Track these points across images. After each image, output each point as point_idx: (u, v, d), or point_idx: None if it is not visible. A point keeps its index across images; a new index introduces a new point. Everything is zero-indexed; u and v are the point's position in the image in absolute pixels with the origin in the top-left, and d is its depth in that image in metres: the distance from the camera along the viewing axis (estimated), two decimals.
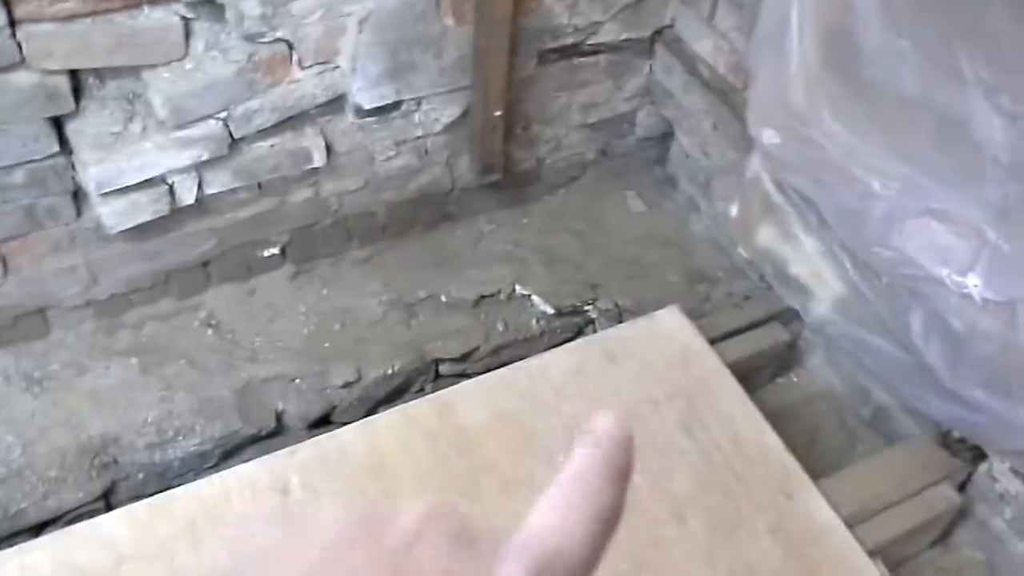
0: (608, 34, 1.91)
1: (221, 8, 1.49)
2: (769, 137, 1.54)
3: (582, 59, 1.94)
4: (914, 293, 1.42)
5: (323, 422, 1.73)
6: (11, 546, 1.28)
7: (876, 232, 1.40)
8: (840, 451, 1.72)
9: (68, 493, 1.56)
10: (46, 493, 1.55)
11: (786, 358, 1.82)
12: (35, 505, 1.55)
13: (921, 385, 1.49)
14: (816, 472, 1.42)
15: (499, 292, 1.92)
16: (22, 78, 1.41)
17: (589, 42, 1.90)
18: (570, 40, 1.87)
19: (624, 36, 1.93)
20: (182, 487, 1.33)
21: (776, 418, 1.49)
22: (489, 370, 1.55)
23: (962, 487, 1.53)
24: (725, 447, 1.41)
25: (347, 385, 1.75)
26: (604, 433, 0.44)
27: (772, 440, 1.43)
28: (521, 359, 1.54)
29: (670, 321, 1.59)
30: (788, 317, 1.78)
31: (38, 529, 1.56)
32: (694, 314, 1.68)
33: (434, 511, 0.40)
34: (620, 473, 0.43)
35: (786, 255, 1.74)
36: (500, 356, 1.84)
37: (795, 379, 1.84)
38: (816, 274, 1.69)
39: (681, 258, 2.02)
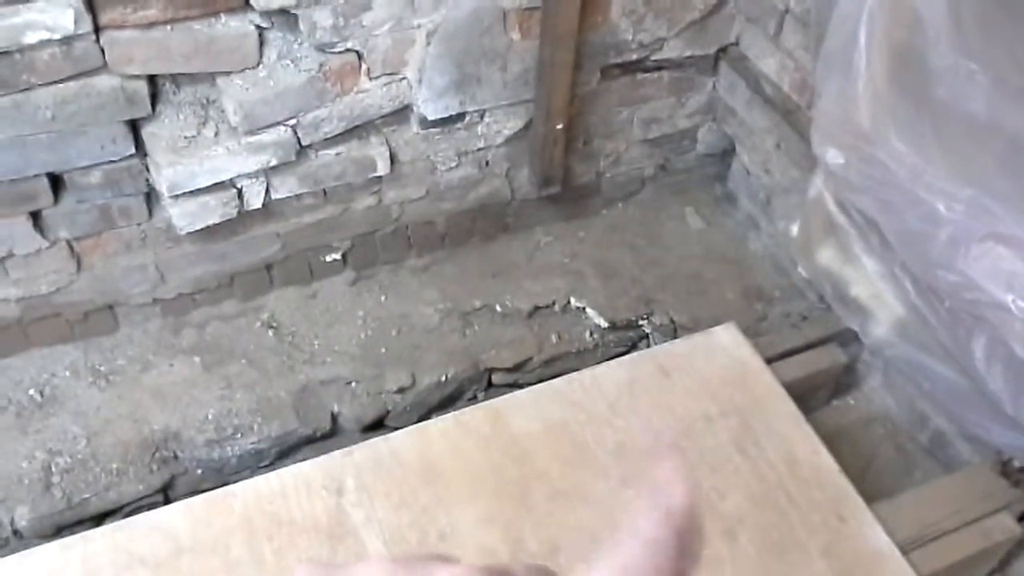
0: (672, 50, 1.91)
1: (295, 18, 1.53)
2: (833, 157, 1.53)
3: (645, 75, 1.95)
4: (977, 318, 1.39)
5: (377, 426, 1.76)
6: (73, 534, 1.33)
7: (940, 255, 1.38)
8: (896, 476, 1.69)
9: (129, 485, 1.61)
10: (108, 484, 1.60)
11: (843, 380, 1.80)
12: (97, 496, 1.60)
13: (982, 412, 1.47)
14: (871, 496, 1.40)
15: (554, 304, 1.93)
16: (103, 82, 1.47)
17: (653, 58, 1.91)
18: (634, 56, 1.88)
19: (688, 53, 1.93)
20: (240, 483, 1.36)
21: (831, 440, 1.48)
22: (541, 381, 1.56)
23: (1022, 518, 1.50)
24: (779, 467, 1.40)
25: (401, 390, 1.77)
26: (671, 499, 0.38)
27: (827, 462, 1.42)
28: (574, 371, 1.55)
29: (726, 338, 1.58)
30: (846, 339, 1.76)
31: (99, 519, 1.61)
32: (751, 332, 1.67)
33: None
34: (690, 546, 0.37)
35: (847, 276, 1.72)
36: (553, 367, 1.85)
37: (852, 402, 1.82)
38: (876, 296, 1.67)
39: (739, 276, 2.01)
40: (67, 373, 1.74)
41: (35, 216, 1.58)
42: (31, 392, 1.70)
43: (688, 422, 1.45)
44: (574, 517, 1.32)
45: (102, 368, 1.75)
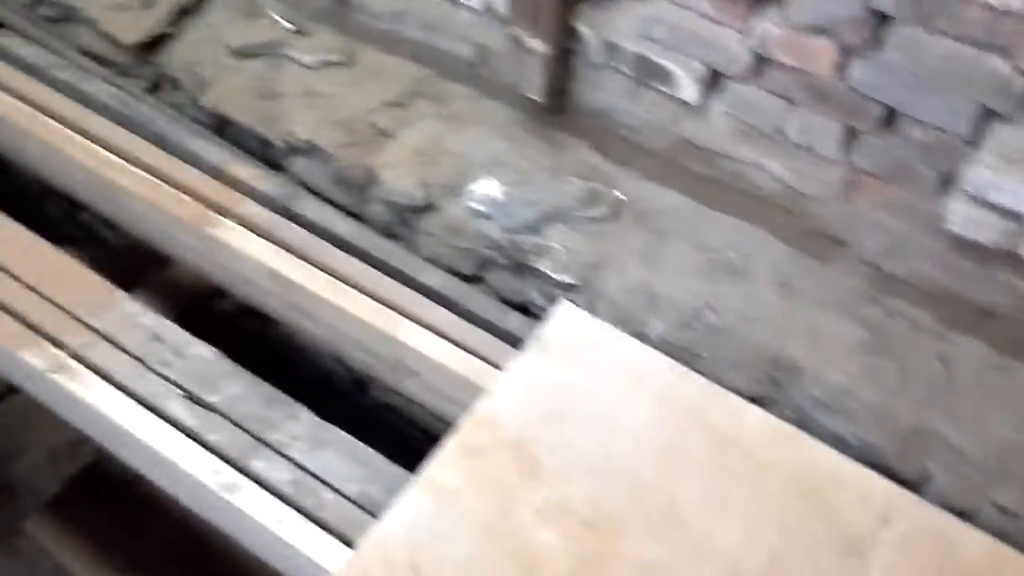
0: None
1: None
2: None
3: None
4: None
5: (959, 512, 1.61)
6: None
7: None
8: None
9: (734, 378, 1.72)
10: (712, 368, 1.73)
11: None
12: (710, 360, 1.74)
13: None
14: None
15: None
16: (992, 63, 1.46)
17: None
18: None
19: None
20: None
21: None
22: None
23: None
24: None
25: (1003, 509, 1.58)
26: None
27: None
28: None
29: None
30: None
31: None
32: None
33: None
34: None
35: None
36: None
37: None
38: None
39: None
40: (765, 257, 1.85)
41: (851, 132, 1.69)
42: (731, 255, 1.88)
43: None
44: None
45: (785, 279, 1.85)
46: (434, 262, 1.99)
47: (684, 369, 1.57)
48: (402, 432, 2.52)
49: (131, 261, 2.34)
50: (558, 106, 2.01)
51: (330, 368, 2.63)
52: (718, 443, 1.48)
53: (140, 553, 2.48)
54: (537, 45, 1.86)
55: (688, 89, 1.82)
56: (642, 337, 1.79)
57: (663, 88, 1.85)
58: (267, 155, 2.20)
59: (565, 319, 1.63)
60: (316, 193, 2.10)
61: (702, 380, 1.55)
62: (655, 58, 1.82)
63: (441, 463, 1.44)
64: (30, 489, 2.85)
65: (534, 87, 1.94)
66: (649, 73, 1.85)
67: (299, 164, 2.15)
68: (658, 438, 1.48)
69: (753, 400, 1.74)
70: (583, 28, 1.88)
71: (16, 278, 1.70)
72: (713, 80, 1.79)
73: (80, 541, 2.63)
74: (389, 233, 2.07)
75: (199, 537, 2.34)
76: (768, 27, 1.65)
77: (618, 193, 1.97)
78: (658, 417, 1.50)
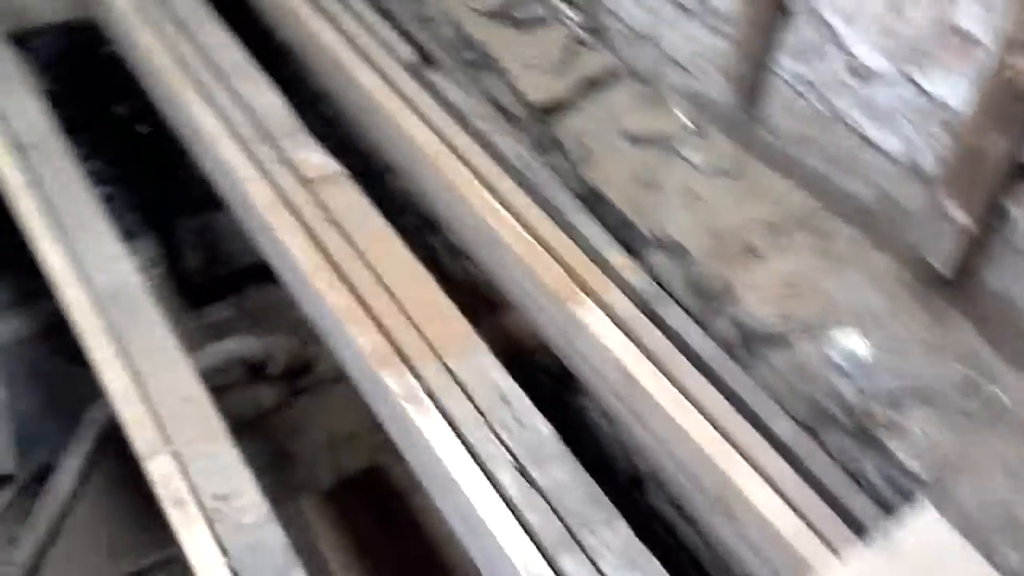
0: None
1: None
2: None
3: None
4: None
5: None
6: None
7: None
8: None
9: None
10: None
11: None
12: None
13: None
14: None
15: None
16: None
17: None
18: None
19: None
20: None
21: None
22: None
23: None
24: None
25: None
26: None
27: None
28: None
29: None
30: None
31: None
32: None
33: None
34: None
35: None
36: None
37: None
38: None
39: None
40: None
41: None
42: None
43: None
44: None
45: None
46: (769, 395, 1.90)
47: None
48: (663, 544, 2.43)
49: (467, 298, 2.44)
50: (957, 281, 1.85)
51: (611, 455, 2.60)
52: None
53: (396, 566, 2.58)
54: (960, 215, 1.73)
55: None
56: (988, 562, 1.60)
57: None
58: (627, 240, 2.21)
59: (923, 524, 1.48)
60: (666, 291, 2.08)
61: None
62: None
63: None
64: (307, 466, 3.06)
65: (940, 255, 1.80)
66: None
67: (656, 258, 2.14)
68: None
69: None
70: (1015, 209, 1.72)
71: (399, 304, 1.81)
72: None
73: (342, 532, 2.77)
74: (728, 352, 2.01)
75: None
76: None
77: (1000, 392, 1.77)
78: None
